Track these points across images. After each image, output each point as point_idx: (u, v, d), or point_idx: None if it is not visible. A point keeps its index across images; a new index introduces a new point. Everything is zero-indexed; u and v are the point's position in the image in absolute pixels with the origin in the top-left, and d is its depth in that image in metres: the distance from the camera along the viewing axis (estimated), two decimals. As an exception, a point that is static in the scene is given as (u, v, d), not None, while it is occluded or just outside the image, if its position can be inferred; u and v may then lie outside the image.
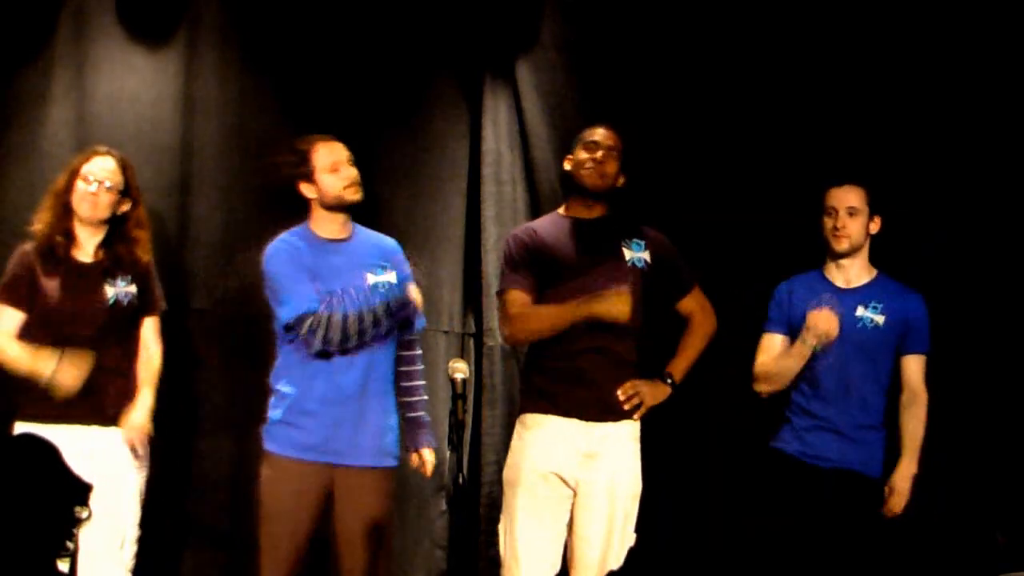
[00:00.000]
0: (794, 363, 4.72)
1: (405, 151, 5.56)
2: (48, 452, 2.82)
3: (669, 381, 4.71)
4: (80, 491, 2.79)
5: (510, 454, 4.72)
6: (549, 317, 4.61)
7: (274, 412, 4.57)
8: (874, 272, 4.83)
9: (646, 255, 4.73)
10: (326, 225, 4.64)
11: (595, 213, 4.73)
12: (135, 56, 5.36)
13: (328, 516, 4.56)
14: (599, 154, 4.68)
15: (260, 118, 5.43)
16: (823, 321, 4.63)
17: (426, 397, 4.73)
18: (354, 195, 4.63)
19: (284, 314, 4.51)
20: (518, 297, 4.66)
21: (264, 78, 5.47)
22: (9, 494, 2.72)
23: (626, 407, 4.64)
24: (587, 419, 4.62)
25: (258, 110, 5.45)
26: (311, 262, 4.56)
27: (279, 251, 4.58)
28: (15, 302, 4.63)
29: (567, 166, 4.75)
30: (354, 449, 4.55)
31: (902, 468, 4.73)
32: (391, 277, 4.63)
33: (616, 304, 4.54)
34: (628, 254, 4.71)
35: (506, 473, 4.71)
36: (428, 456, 4.71)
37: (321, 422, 4.52)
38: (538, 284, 4.65)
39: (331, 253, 4.61)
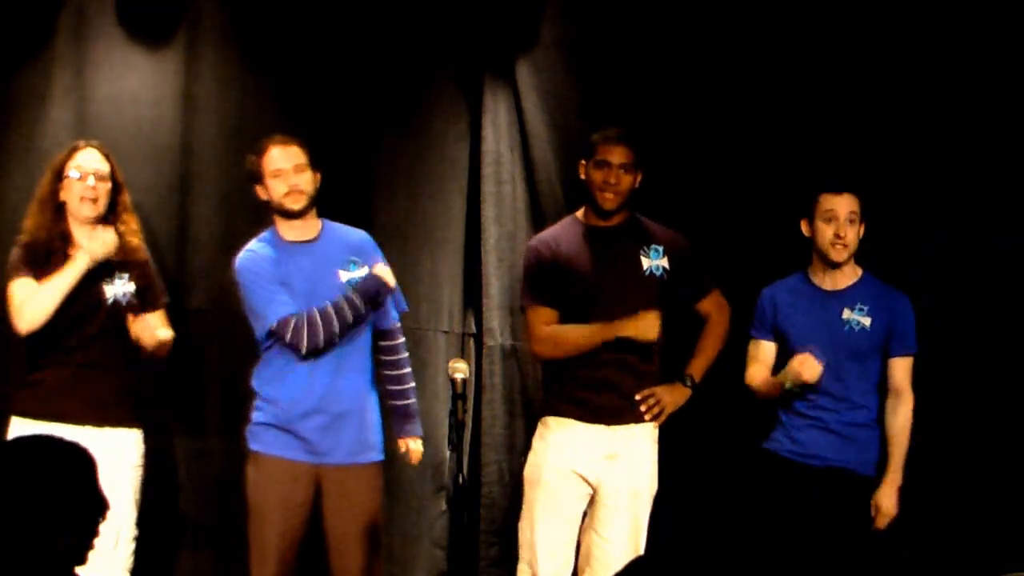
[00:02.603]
0: (770, 393, 4.72)
1: (405, 151, 5.56)
2: (82, 461, 2.77)
3: (689, 383, 4.74)
4: (100, 506, 2.74)
5: (532, 453, 4.73)
6: (578, 339, 4.62)
7: (257, 414, 4.59)
8: (859, 272, 4.78)
9: (664, 261, 4.73)
10: (288, 228, 4.62)
11: (613, 221, 4.73)
12: (135, 56, 5.35)
13: (318, 516, 4.57)
14: (611, 177, 4.65)
15: (260, 118, 5.41)
16: (805, 368, 4.59)
17: (413, 385, 4.73)
18: (293, 203, 4.58)
19: (265, 322, 4.51)
20: (543, 314, 4.67)
21: (264, 78, 5.47)
22: (38, 499, 2.68)
23: (647, 416, 4.66)
24: (610, 423, 4.64)
25: (258, 110, 5.44)
26: (280, 268, 4.55)
27: (247, 262, 4.57)
28: (36, 272, 4.58)
29: (581, 174, 4.73)
30: (336, 447, 4.56)
31: (886, 486, 4.68)
32: (364, 272, 4.63)
33: (645, 325, 4.56)
34: (647, 263, 4.71)
35: (527, 472, 4.72)
36: (413, 445, 4.71)
37: (303, 424, 4.53)
38: (560, 298, 4.66)
39: (299, 255, 4.60)
